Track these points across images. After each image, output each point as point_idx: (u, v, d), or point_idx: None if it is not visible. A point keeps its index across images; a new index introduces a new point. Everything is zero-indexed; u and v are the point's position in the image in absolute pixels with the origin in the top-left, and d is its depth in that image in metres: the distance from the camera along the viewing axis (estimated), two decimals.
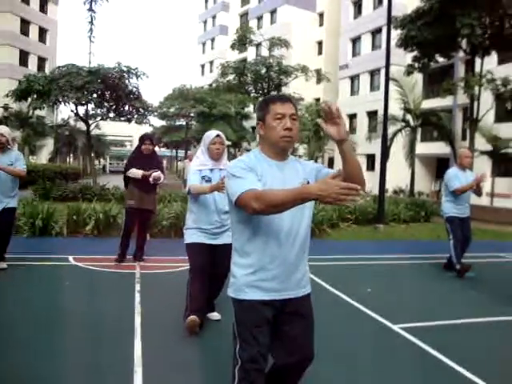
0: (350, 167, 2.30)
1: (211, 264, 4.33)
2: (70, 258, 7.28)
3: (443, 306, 5.60)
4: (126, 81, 16.81)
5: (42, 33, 51.39)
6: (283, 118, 2.37)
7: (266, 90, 28.54)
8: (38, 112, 33.51)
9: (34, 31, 50.18)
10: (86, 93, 15.28)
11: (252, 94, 30.52)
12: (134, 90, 17.43)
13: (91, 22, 24.37)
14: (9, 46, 46.69)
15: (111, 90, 16.29)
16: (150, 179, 6.57)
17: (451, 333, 4.67)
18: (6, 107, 26.64)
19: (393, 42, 16.07)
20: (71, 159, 50.84)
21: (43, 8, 51.83)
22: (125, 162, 8.93)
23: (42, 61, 49.04)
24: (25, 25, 48.96)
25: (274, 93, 29.49)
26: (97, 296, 5.53)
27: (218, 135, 4.40)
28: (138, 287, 5.71)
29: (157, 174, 6.60)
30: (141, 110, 18.01)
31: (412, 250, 9.22)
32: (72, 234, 9.37)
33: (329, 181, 2.02)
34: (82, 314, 4.79)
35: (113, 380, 3.34)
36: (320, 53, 43.76)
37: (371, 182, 30.30)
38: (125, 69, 16.60)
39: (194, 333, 4.16)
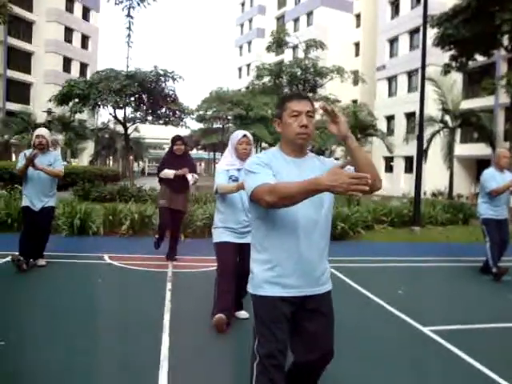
0: (359, 163, 2.31)
1: (239, 263, 4.38)
2: (106, 256, 7.48)
3: (477, 310, 5.47)
4: (163, 84, 17.12)
5: (85, 40, 52.96)
6: (299, 116, 2.40)
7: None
8: (79, 116, 34.48)
9: (76, 38, 51.80)
10: (123, 96, 15.65)
11: None
12: (171, 92, 17.75)
13: (129, 28, 24.94)
14: (54, 53, 48.38)
15: (148, 93, 16.62)
16: (188, 176, 6.63)
17: (484, 337, 4.55)
18: (49, 112, 27.54)
19: (430, 42, 15.82)
20: (111, 161, 52.02)
21: (86, 16, 53.46)
22: None
23: (83, 66, 50.52)
24: (68, 32, 50.58)
25: (310, 95, 29.42)
26: (129, 293, 5.65)
27: (244, 135, 4.43)
28: (169, 286, 5.81)
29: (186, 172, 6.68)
30: (177, 112, 18.31)
31: (448, 252, 9.01)
32: (108, 233, 9.61)
33: (339, 171, 2.04)
34: (113, 309, 4.93)
35: (139, 372, 3.41)
36: (357, 54, 43.38)
37: (409, 184, 29.77)
38: (161, 72, 16.92)
39: (222, 331, 4.20)
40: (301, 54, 33.30)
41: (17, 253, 6.21)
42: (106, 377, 3.38)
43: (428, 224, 12.96)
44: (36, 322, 4.48)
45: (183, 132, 28.99)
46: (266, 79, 28.79)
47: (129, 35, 25.09)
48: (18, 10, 44.66)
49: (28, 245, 6.28)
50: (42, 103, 34.54)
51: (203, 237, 9.55)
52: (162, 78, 17.13)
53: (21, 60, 46.69)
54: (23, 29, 46.79)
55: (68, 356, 3.64)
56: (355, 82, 39.38)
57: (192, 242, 8.95)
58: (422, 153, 13.17)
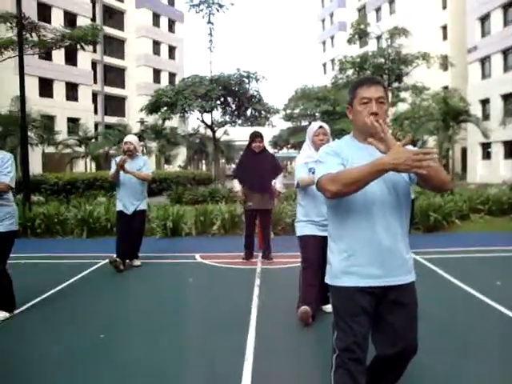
0: (431, 177, 2.17)
1: (323, 256, 4.35)
2: (197, 255, 7.75)
3: None
4: (247, 85, 17.42)
5: (171, 50, 55.35)
6: (369, 103, 2.32)
7: (386, 82, 27.58)
8: (170, 124, 36.04)
9: (164, 50, 54.35)
10: (209, 100, 16.14)
11: None
12: (255, 93, 18.00)
13: (210, 34, 25.70)
14: (144, 66, 51.06)
15: (233, 95, 16.99)
16: (276, 186, 6.76)
17: None
18: (141, 121, 29.06)
19: None
20: (203, 165, 53.76)
21: (171, 28, 55.84)
22: None
23: (172, 76, 52.82)
24: (156, 45, 53.17)
25: (395, 84, 28.35)
26: (217, 289, 5.83)
27: (320, 126, 4.41)
28: (257, 282, 5.92)
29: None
30: (263, 112, 18.54)
31: None
32: (200, 233, 9.96)
33: (401, 149, 2.00)
34: (202, 305, 5.11)
35: (224, 366, 3.51)
36: (445, 38, 41.24)
37: (510, 170, 27.82)
38: (244, 74, 17.21)
39: (307, 324, 4.21)
40: (385, 44, 32.35)
41: (114, 255, 6.63)
42: (192, 373, 3.50)
43: None
44: (132, 318, 4.76)
45: (271, 131, 29.20)
46: (350, 72, 28.23)
47: (210, 41, 25.81)
48: (110, 31, 47.69)
49: (123, 246, 6.66)
50: (135, 114, 36.63)
51: (293, 233, 9.57)
52: (246, 80, 17.44)
53: (115, 76, 49.84)
54: (116, 47, 49.86)
55: (158, 352, 3.83)
56: (445, 68, 37.51)
57: (281, 239, 9.00)
58: None
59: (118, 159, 6.60)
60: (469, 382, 3.20)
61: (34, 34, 11.59)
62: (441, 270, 6.36)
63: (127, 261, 6.84)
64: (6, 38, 11.92)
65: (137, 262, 7.01)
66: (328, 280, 2.41)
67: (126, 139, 6.93)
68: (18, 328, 4.42)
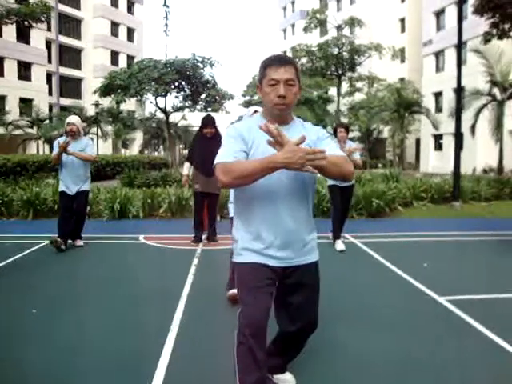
0: (328, 172, 2.23)
1: None
2: (141, 237, 7.80)
3: (498, 281, 5.34)
4: (201, 70, 17.35)
5: (130, 32, 54.20)
6: (277, 84, 2.27)
7: (340, 71, 28.05)
8: (128, 107, 35.39)
9: (122, 32, 53.15)
10: (162, 84, 16.01)
11: (327, 77, 30.08)
12: (210, 78, 17.95)
13: (166, 17, 25.45)
14: (102, 48, 49.87)
15: (187, 80, 16.91)
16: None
17: (498, 307, 4.47)
18: (96, 104, 28.52)
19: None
20: (162, 150, 53.21)
21: (130, 9, 54.65)
22: None
23: (130, 59, 51.78)
24: (115, 27, 51.95)
25: (349, 74, 28.81)
26: (155, 268, 5.95)
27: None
28: (195, 261, 6.04)
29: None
30: (217, 98, 18.52)
31: (486, 227, 8.80)
32: (147, 216, 9.98)
33: (294, 148, 2.01)
34: (137, 282, 5.22)
35: (150, 335, 3.65)
36: (403, 30, 42.15)
37: (461, 161, 28.81)
38: (199, 59, 17.14)
39: (236, 303, 4.34)
40: (346, 34, 32.72)
41: (56, 235, 6.61)
42: (118, 336, 3.64)
43: (471, 200, 12.61)
44: (65, 295, 4.79)
45: (227, 117, 29.24)
46: (304, 60, 28.53)
47: (166, 24, 25.53)
48: (66, 9, 46.28)
49: (65, 227, 6.65)
50: (92, 97, 35.83)
51: None
52: (201, 65, 17.36)
53: (71, 57, 48.49)
54: (72, 26, 48.48)
55: (85, 326, 3.95)
56: (402, 60, 38.36)
57: (227, 223, 9.11)
58: (460, 126, 12.84)
59: (60, 140, 6.57)
60: (374, 354, 3.42)
61: None
62: (374, 252, 6.64)
63: (69, 241, 6.85)
64: None
65: (79, 243, 7.01)
66: (234, 257, 2.45)
67: (68, 120, 6.88)
68: None
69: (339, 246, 6.85)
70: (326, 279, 5.22)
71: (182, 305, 4.30)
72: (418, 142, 37.93)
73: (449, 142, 33.98)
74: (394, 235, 8.16)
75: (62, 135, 6.77)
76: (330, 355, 3.31)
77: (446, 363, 3.21)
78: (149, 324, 3.90)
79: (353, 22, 28.99)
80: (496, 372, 3.12)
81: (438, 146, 35.31)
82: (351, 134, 37.87)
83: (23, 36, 38.61)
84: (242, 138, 2.31)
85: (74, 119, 6.92)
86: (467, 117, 23.98)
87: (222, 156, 2.26)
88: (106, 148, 40.91)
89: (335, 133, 6.98)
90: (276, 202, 2.30)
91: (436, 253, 6.93)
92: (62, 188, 6.75)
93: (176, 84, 17.06)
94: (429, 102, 33.32)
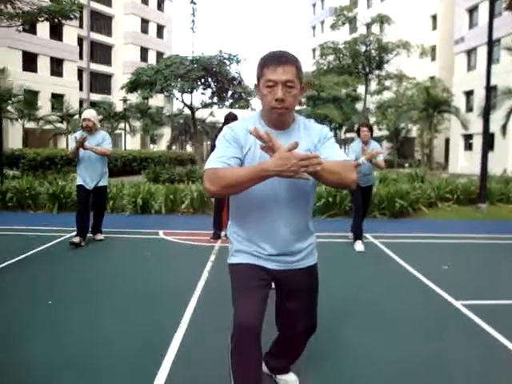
0: (325, 179, 2.04)
1: None
2: (161, 232, 7.88)
3: None
4: (227, 67, 17.40)
5: (160, 29, 54.74)
6: (275, 86, 2.08)
7: (367, 69, 27.71)
8: (156, 103, 35.76)
9: (152, 28, 53.71)
10: (188, 80, 16.11)
11: (354, 75, 29.77)
12: (236, 75, 18.00)
13: (193, 14, 25.67)
14: (132, 44, 50.50)
15: (213, 76, 16.98)
16: None
17: None
18: (125, 99, 28.91)
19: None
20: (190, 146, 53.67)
21: (160, 6, 55.17)
22: None
23: (160, 55, 52.26)
24: (144, 23, 52.53)
25: (376, 72, 28.46)
26: (171, 263, 5.99)
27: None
28: (212, 258, 6.07)
29: None
30: (243, 95, 18.55)
31: None
32: (169, 211, 10.07)
33: (285, 154, 1.83)
34: (152, 277, 5.26)
35: (158, 333, 3.66)
36: (434, 28, 41.38)
37: (491, 162, 28.15)
38: (226, 56, 17.19)
39: None
40: (375, 31, 32.34)
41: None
42: (126, 330, 3.69)
43: (498, 202, 12.31)
44: (81, 287, 4.87)
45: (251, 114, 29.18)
46: (331, 58, 28.30)
47: (193, 21, 25.73)
48: (98, 6, 47.04)
49: (82, 222, 6.70)
50: (120, 93, 36.38)
51: None
52: (227, 62, 17.42)
53: (102, 53, 49.27)
54: (103, 23, 49.23)
55: (97, 317, 4.01)
56: (433, 58, 37.69)
57: None
58: (489, 125, 12.55)
59: (77, 135, 6.63)
60: (391, 356, 3.37)
61: (9, 6, 11.47)
62: (393, 253, 6.55)
63: (90, 235, 6.97)
64: None
65: (100, 236, 7.12)
66: (228, 259, 2.39)
67: (83, 116, 6.85)
68: None
69: (358, 246, 6.79)
70: (341, 279, 5.26)
71: (194, 301, 4.33)
72: (447, 141, 37.25)
73: (479, 143, 32.97)
74: (416, 236, 8.03)
75: (80, 128, 6.82)
76: (341, 356, 3.29)
77: (458, 368, 3.15)
78: (159, 320, 3.93)
79: (381, 20, 28.60)
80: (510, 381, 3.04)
81: (468, 146, 34.59)
82: (379, 133, 37.73)
83: (56, 33, 39.44)
84: (237, 141, 2.14)
85: (88, 114, 6.83)
86: (499, 116, 23.46)
87: (211, 162, 2.08)
88: (134, 143, 41.49)
89: (358, 132, 6.89)
90: (272, 212, 2.20)
91: (457, 255, 6.79)
92: (79, 182, 6.80)
93: (202, 81, 17.14)
94: (460, 101, 32.66)
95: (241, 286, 2.27)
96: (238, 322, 2.18)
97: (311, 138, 2.22)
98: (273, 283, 2.37)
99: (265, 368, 2.89)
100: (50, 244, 6.85)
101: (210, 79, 17.45)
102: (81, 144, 6.43)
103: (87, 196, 6.77)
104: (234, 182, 1.96)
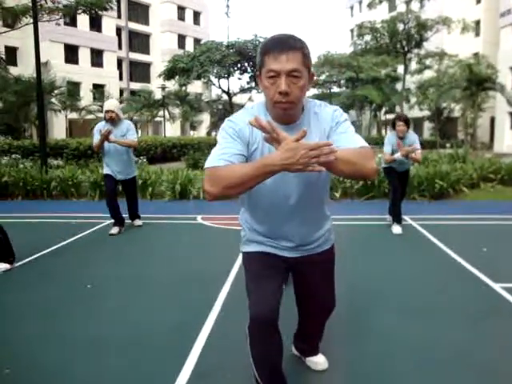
0: (339, 170, 1.79)
1: None
2: (198, 217, 8.01)
3: None
4: None
5: (196, 16, 54.86)
6: (278, 77, 1.81)
7: (406, 48, 26.92)
8: (195, 89, 35.89)
9: (189, 15, 53.88)
10: (224, 66, 16.15)
11: (393, 54, 28.98)
12: None
13: None
14: (169, 32, 50.89)
15: (249, 61, 16.95)
16: None
17: None
18: (163, 87, 29.27)
19: None
20: None
21: None
22: None
23: (197, 42, 52.43)
24: (181, 10, 52.76)
25: (416, 51, 27.61)
26: (208, 248, 6.09)
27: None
28: None
29: None
30: None
31: None
32: None
33: (292, 145, 1.60)
34: (188, 262, 5.38)
35: (192, 313, 3.78)
36: (478, 1, 39.75)
37: None
38: (261, 39, 17.10)
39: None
40: (416, 8, 31.36)
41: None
42: (160, 311, 3.82)
43: None
44: (120, 271, 5.03)
45: None
46: (368, 38, 27.64)
47: (228, 6, 25.93)
48: None
49: (113, 210, 6.75)
50: (159, 81, 36.87)
51: None
52: None
53: (140, 42, 49.90)
54: (140, 12, 49.79)
55: (135, 300, 4.15)
56: (477, 33, 36.33)
57: None
58: None
59: (101, 127, 6.45)
60: (420, 340, 3.36)
61: (48, 1, 11.79)
62: (432, 235, 6.44)
63: (129, 221, 7.17)
64: (22, 5, 12.16)
65: (138, 222, 7.30)
66: (240, 247, 2.32)
67: (106, 107, 6.55)
68: (17, 279, 4.76)
69: (396, 229, 6.71)
70: (377, 262, 5.22)
71: (228, 285, 4.40)
72: (492, 120, 35.97)
73: None
74: (455, 218, 7.87)
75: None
76: (373, 339, 3.28)
77: (496, 355, 3.07)
78: (192, 302, 4.04)
79: None
80: None
81: None
82: (420, 114, 36.78)
83: (95, 25, 40.27)
84: (241, 135, 1.92)
85: (111, 106, 6.56)
86: None
87: (212, 159, 1.84)
88: (174, 130, 42.04)
89: (394, 126, 6.70)
90: (284, 210, 2.08)
91: (498, 237, 6.62)
92: (106, 171, 6.71)
93: (238, 65, 17.14)
94: (506, 78, 31.37)
95: (254, 276, 2.19)
96: (253, 313, 2.09)
97: (322, 127, 1.98)
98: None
99: (295, 351, 2.95)
100: (91, 230, 7.08)
101: (246, 64, 17.42)
102: (106, 137, 6.25)
103: (115, 185, 6.80)
104: (236, 181, 1.73)
